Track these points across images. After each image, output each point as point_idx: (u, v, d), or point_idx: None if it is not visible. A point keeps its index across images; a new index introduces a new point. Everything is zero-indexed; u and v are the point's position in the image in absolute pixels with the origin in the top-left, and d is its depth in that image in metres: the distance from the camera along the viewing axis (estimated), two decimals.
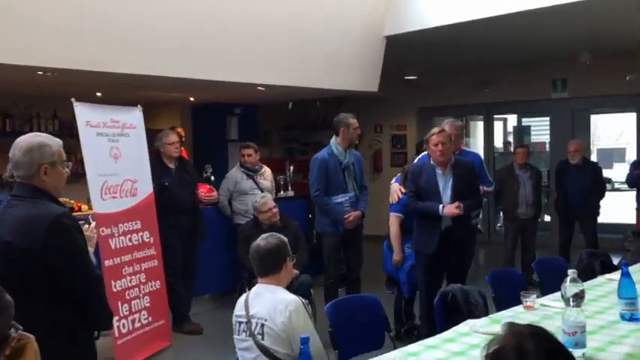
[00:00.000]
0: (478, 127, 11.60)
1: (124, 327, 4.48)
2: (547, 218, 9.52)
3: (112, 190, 4.58)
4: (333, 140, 5.12)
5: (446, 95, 10.30)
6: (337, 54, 6.82)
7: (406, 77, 9.93)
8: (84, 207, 5.69)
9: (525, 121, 12.12)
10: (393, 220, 4.90)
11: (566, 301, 2.32)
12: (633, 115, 9.38)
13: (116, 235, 4.54)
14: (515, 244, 6.88)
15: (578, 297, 2.30)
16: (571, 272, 2.35)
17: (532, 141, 11.87)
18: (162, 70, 5.64)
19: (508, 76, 9.71)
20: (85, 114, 4.43)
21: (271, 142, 12.30)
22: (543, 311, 3.04)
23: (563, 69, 9.24)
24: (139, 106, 4.99)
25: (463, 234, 4.55)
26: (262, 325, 2.55)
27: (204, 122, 8.51)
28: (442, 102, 10.44)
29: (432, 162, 4.48)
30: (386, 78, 10.04)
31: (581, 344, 2.29)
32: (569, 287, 2.30)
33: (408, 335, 4.85)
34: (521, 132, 10.91)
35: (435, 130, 4.49)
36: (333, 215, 5.00)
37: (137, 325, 4.63)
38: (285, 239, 2.81)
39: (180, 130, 7.56)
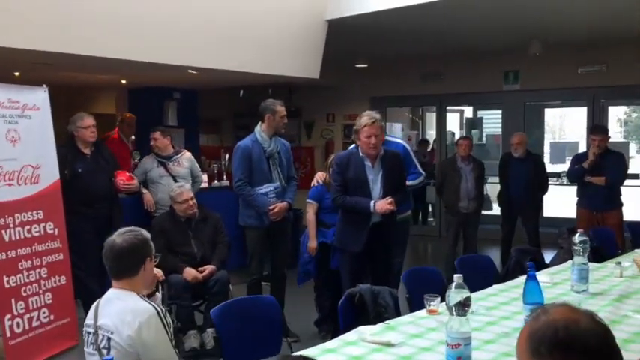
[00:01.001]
0: (434, 118, 11.43)
1: (17, 326, 4.12)
2: (497, 211, 9.39)
3: (7, 177, 4.19)
4: (258, 127, 4.80)
5: (398, 85, 10.08)
6: (276, 38, 6.50)
7: (357, 65, 9.67)
8: None
9: (481, 114, 12.02)
10: (308, 207, 4.67)
11: (449, 309, 2.06)
12: (584, 110, 9.27)
13: (11, 225, 4.17)
14: (457, 238, 6.69)
15: (463, 305, 2.04)
16: (457, 277, 2.09)
17: (487, 133, 11.78)
18: (80, 48, 5.24)
19: (460, 67, 9.52)
20: None
21: (222, 130, 11.95)
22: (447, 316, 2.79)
23: (515, 61, 9.08)
24: (44, 85, 4.59)
25: (391, 230, 4.30)
26: (109, 339, 2.23)
27: (142, 107, 8.09)
28: (395, 92, 10.23)
29: (360, 154, 4.20)
30: (337, 66, 9.82)
31: (465, 358, 2.03)
32: (453, 294, 2.04)
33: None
34: (475, 124, 10.77)
35: (367, 121, 4.17)
36: (257, 207, 4.68)
37: (35, 323, 4.27)
38: (148, 236, 2.49)
39: (129, 115, 7.17)
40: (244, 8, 6.11)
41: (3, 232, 4.10)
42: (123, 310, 2.23)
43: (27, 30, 4.81)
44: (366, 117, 4.13)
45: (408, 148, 4.90)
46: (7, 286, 4.07)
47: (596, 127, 6.18)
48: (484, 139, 11.17)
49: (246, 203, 4.74)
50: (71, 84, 8.13)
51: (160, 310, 2.25)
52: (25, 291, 4.22)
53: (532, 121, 10.83)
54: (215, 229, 4.81)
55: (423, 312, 2.85)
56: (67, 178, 4.93)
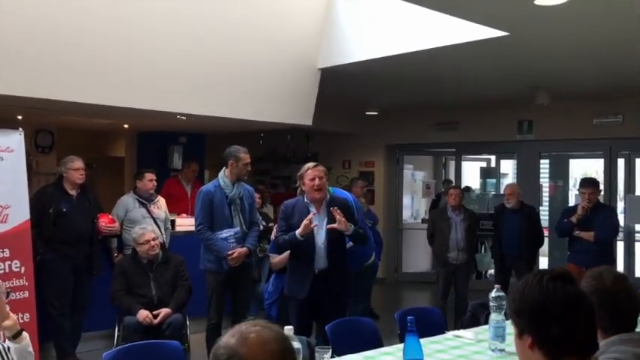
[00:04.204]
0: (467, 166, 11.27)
1: None
2: None
3: None
4: (222, 173, 4.88)
5: (413, 133, 10.05)
6: (267, 85, 6.62)
7: (367, 113, 9.71)
8: None
9: (504, 162, 11.76)
10: (271, 259, 4.69)
11: None
12: (601, 162, 8.94)
13: None
14: (447, 290, 6.50)
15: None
16: (287, 329, 2.03)
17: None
18: (64, 95, 5.44)
19: (475, 116, 9.41)
20: None
21: None
22: None
23: (529, 110, 8.90)
24: (20, 129, 4.84)
25: (338, 277, 4.23)
26: None
27: (149, 151, 8.36)
28: (410, 139, 10.21)
29: (306, 199, 4.20)
30: (350, 114, 9.92)
31: None
32: None
33: None
34: (490, 173, 10.56)
35: (310, 164, 4.22)
36: (217, 251, 4.72)
37: None
38: None
39: (195, 165, 7.70)
40: (234, 56, 6.26)
41: None
42: None
43: (15, 77, 5.07)
44: (310, 163, 4.18)
45: (352, 201, 4.81)
46: None
47: (586, 180, 5.95)
48: (501, 189, 10.90)
49: (207, 247, 4.77)
50: (81, 128, 8.54)
51: (1, 349, 2.28)
52: None
53: (556, 172, 10.54)
54: (176, 272, 4.85)
55: None
56: (52, 216, 5.11)
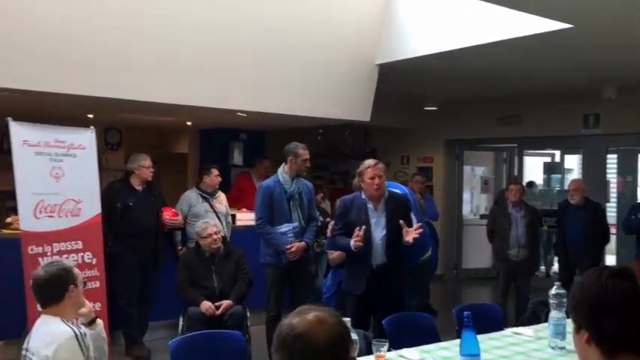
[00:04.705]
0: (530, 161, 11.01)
1: None
2: None
3: (48, 209, 4.66)
4: (281, 168, 4.98)
5: (474, 128, 9.89)
6: (326, 82, 6.68)
7: (426, 108, 9.63)
8: None
9: (569, 158, 11.41)
10: (329, 255, 4.75)
11: None
12: None
13: (49, 253, 4.61)
14: (508, 287, 6.39)
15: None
16: (345, 321, 2.08)
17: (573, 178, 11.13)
18: (136, 94, 5.71)
19: (539, 110, 9.17)
20: (22, 133, 4.55)
21: None
22: None
23: (595, 104, 8.60)
24: (92, 127, 5.07)
25: (397, 273, 4.25)
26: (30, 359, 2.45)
27: (210, 147, 8.59)
28: (470, 134, 10.05)
29: (363, 196, 4.24)
30: (408, 109, 9.87)
31: None
32: None
33: None
34: (555, 169, 10.26)
35: (371, 162, 4.25)
36: (275, 245, 4.82)
37: None
38: (69, 266, 2.69)
39: (267, 162, 7.83)
40: (292, 53, 6.35)
41: (40, 259, 4.51)
42: (45, 334, 2.45)
43: (81, 77, 5.33)
44: (369, 160, 4.20)
45: (410, 195, 4.83)
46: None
47: None
48: (566, 185, 10.59)
49: (266, 241, 4.88)
50: (147, 125, 8.85)
51: (78, 334, 2.43)
52: None
53: (624, 167, 10.15)
54: (237, 265, 4.99)
55: (370, 357, 2.81)
56: (119, 211, 5.35)
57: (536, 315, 4.09)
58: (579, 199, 6.22)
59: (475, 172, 11.53)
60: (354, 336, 2.06)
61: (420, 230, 4.06)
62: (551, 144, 10.15)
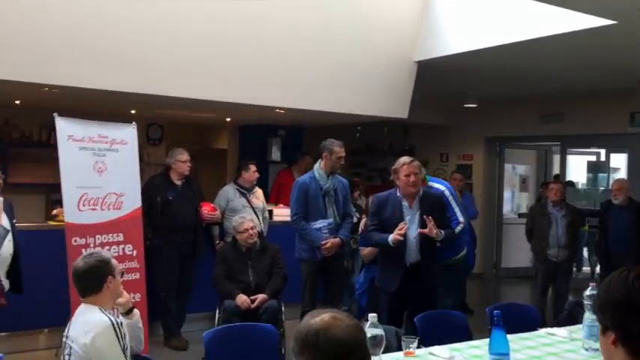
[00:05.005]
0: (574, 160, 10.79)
1: None
2: None
3: (92, 202, 4.81)
4: (317, 165, 5.02)
5: (515, 125, 9.74)
6: (364, 79, 6.69)
7: (465, 105, 9.52)
8: None
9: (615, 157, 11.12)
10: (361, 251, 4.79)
11: None
12: None
13: (92, 245, 4.75)
14: (547, 287, 6.30)
15: (375, 344, 2.05)
16: (371, 317, 2.11)
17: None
18: (184, 92, 5.83)
19: (583, 108, 8.95)
20: (67, 128, 4.71)
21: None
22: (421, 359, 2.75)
23: None
24: (133, 123, 5.21)
25: (430, 271, 4.25)
26: (70, 347, 2.54)
27: (249, 143, 8.69)
28: (511, 132, 9.90)
29: (398, 194, 4.25)
30: (447, 106, 9.78)
31: None
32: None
33: None
34: (600, 167, 10.01)
35: (406, 159, 4.25)
36: (310, 240, 4.87)
37: None
38: (108, 257, 2.76)
39: (308, 158, 7.83)
40: (330, 50, 6.38)
41: (83, 250, 4.66)
42: (84, 322, 2.54)
43: (130, 76, 5.49)
44: (405, 158, 4.20)
45: (448, 193, 4.80)
46: None
47: None
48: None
49: (301, 237, 4.93)
50: (188, 121, 9.02)
51: (115, 323, 2.52)
52: None
53: None
54: (273, 260, 5.05)
55: (400, 354, 2.82)
56: (160, 205, 5.49)
57: (572, 316, 4.02)
58: (623, 199, 6.08)
59: (517, 170, 11.35)
60: (379, 331, 2.09)
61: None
62: (595, 142, 9.91)
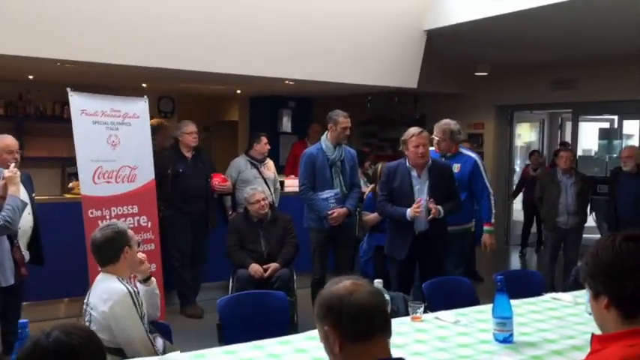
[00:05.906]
0: (586, 127, 10.72)
1: None
2: None
3: (106, 175, 4.92)
4: (324, 136, 5.07)
5: (526, 93, 9.67)
6: (372, 49, 6.68)
7: (476, 73, 9.46)
8: None
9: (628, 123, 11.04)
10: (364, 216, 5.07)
11: None
12: None
13: (107, 217, 4.87)
14: (555, 255, 6.36)
15: None
16: (377, 282, 2.18)
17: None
18: (195, 65, 5.88)
19: (595, 74, 8.87)
20: (81, 103, 4.79)
21: (350, 137, 12.31)
22: (428, 324, 2.84)
23: None
24: (144, 96, 5.27)
25: (438, 239, 4.33)
26: (90, 314, 2.65)
27: (260, 115, 8.74)
28: (522, 100, 9.84)
29: (407, 164, 4.30)
30: (458, 74, 9.72)
31: None
32: None
33: None
34: (611, 134, 9.95)
35: (415, 130, 4.30)
36: (317, 210, 4.94)
37: None
38: (124, 228, 2.86)
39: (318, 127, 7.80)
40: (339, 21, 6.37)
41: (99, 222, 4.77)
42: (103, 291, 2.66)
43: (142, 49, 5.53)
44: (414, 129, 4.24)
45: (479, 162, 4.86)
46: None
47: None
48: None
49: (309, 207, 5.02)
50: (198, 94, 9.06)
51: (132, 292, 2.63)
52: None
53: None
54: (284, 230, 5.15)
55: (407, 319, 2.91)
56: (170, 176, 5.59)
57: (578, 282, 4.07)
58: (632, 167, 6.07)
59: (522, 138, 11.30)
60: (386, 296, 2.17)
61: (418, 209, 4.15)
62: (608, 109, 9.84)
